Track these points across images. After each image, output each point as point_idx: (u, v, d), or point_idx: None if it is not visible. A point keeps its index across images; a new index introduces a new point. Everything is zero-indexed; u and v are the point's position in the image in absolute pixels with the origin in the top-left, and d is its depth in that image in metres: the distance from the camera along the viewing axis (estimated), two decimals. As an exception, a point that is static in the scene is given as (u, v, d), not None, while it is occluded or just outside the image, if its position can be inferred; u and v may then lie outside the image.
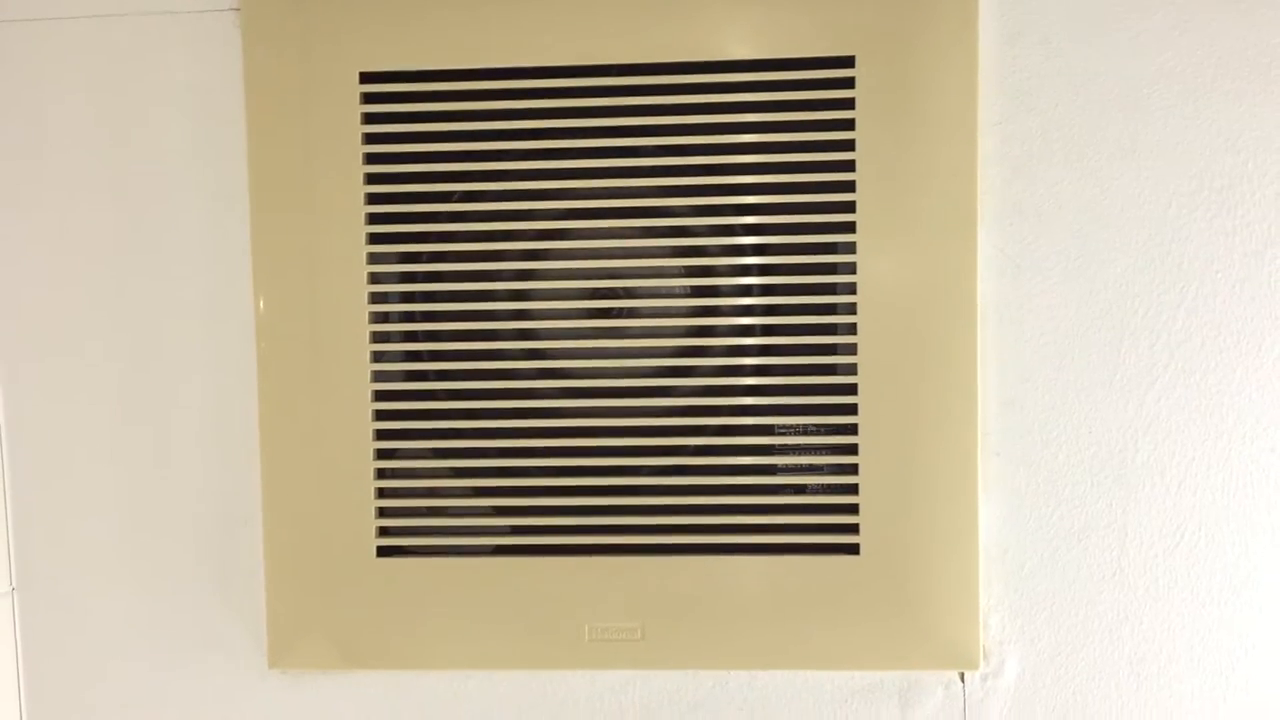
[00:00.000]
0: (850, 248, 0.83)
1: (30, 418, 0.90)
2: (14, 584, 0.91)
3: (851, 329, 0.83)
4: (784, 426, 0.85)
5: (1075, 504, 0.86)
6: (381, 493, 0.87)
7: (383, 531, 0.87)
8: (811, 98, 0.83)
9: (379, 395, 0.86)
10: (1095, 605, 0.86)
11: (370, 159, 0.85)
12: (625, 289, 0.85)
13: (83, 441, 0.90)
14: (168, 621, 0.91)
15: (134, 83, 0.87)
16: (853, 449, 0.84)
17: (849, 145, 0.82)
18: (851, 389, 0.84)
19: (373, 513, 0.86)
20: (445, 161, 0.85)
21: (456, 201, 0.85)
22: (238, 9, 0.86)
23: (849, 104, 0.82)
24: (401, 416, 0.86)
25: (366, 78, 0.84)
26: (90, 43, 0.87)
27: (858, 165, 0.82)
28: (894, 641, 0.85)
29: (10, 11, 0.87)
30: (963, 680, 0.87)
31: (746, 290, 0.84)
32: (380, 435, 0.86)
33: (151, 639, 0.91)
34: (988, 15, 0.83)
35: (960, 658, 0.85)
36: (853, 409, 0.84)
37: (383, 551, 0.87)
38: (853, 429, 0.84)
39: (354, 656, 0.87)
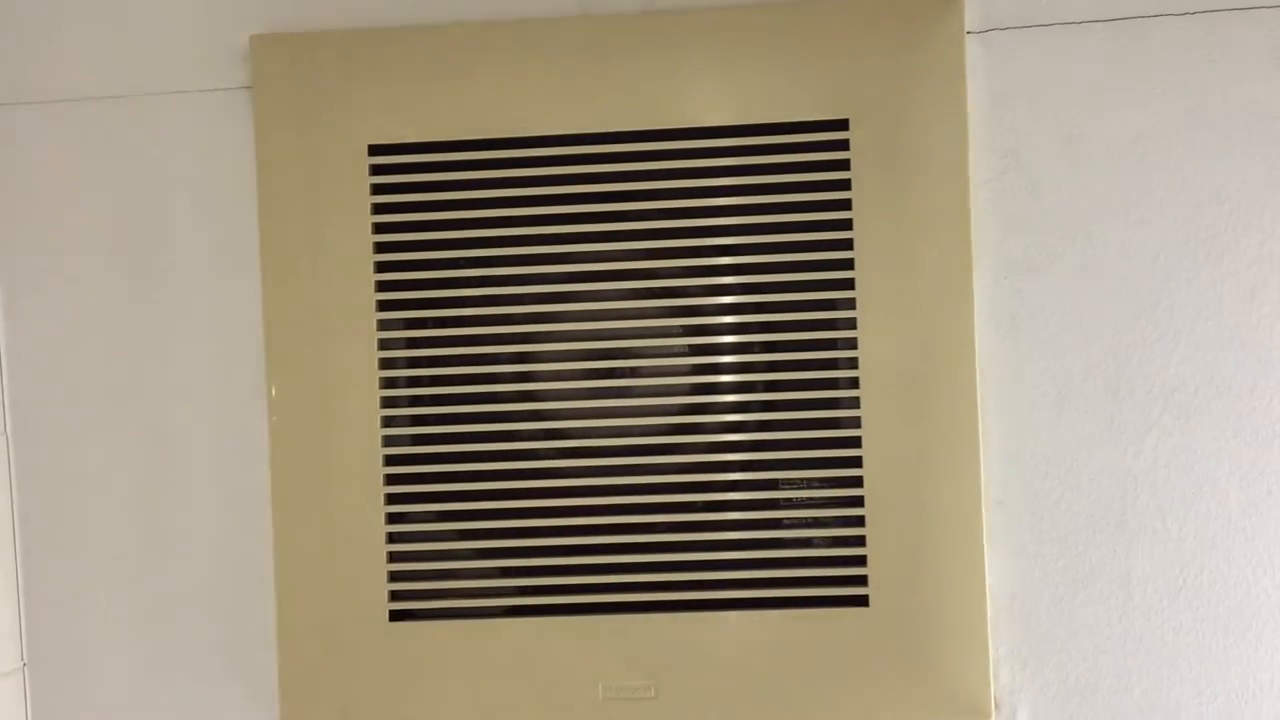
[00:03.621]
0: (850, 303, 0.85)
1: (42, 493, 0.91)
2: (25, 659, 0.91)
3: (853, 383, 0.85)
4: (789, 481, 0.86)
5: (1079, 551, 0.87)
6: (393, 557, 0.87)
7: (395, 596, 0.87)
8: (808, 160, 0.85)
9: (389, 460, 0.87)
10: (1103, 651, 0.87)
11: (379, 229, 0.87)
12: (626, 349, 0.87)
13: (94, 516, 0.91)
14: (180, 693, 0.90)
15: (148, 160, 0.89)
16: (858, 501, 0.85)
17: (846, 205, 0.85)
18: (855, 442, 0.85)
19: (385, 577, 0.87)
20: (452, 229, 0.87)
21: (462, 268, 0.87)
22: (249, 87, 0.88)
23: (844, 165, 0.85)
24: (411, 481, 0.87)
25: (375, 150, 0.86)
26: (105, 122, 0.89)
27: (855, 224, 0.85)
28: (906, 693, 0.85)
29: (28, 94, 0.89)
30: (975, 730, 0.88)
31: (747, 348, 0.86)
32: (391, 500, 0.87)
33: (164, 710, 0.91)
34: (976, 78, 0.86)
35: (972, 708, 0.85)
36: (857, 461, 0.85)
37: (395, 616, 0.87)
38: (858, 481, 0.85)
39: (367, 723, 0.88)
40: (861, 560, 0.85)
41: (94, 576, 0.91)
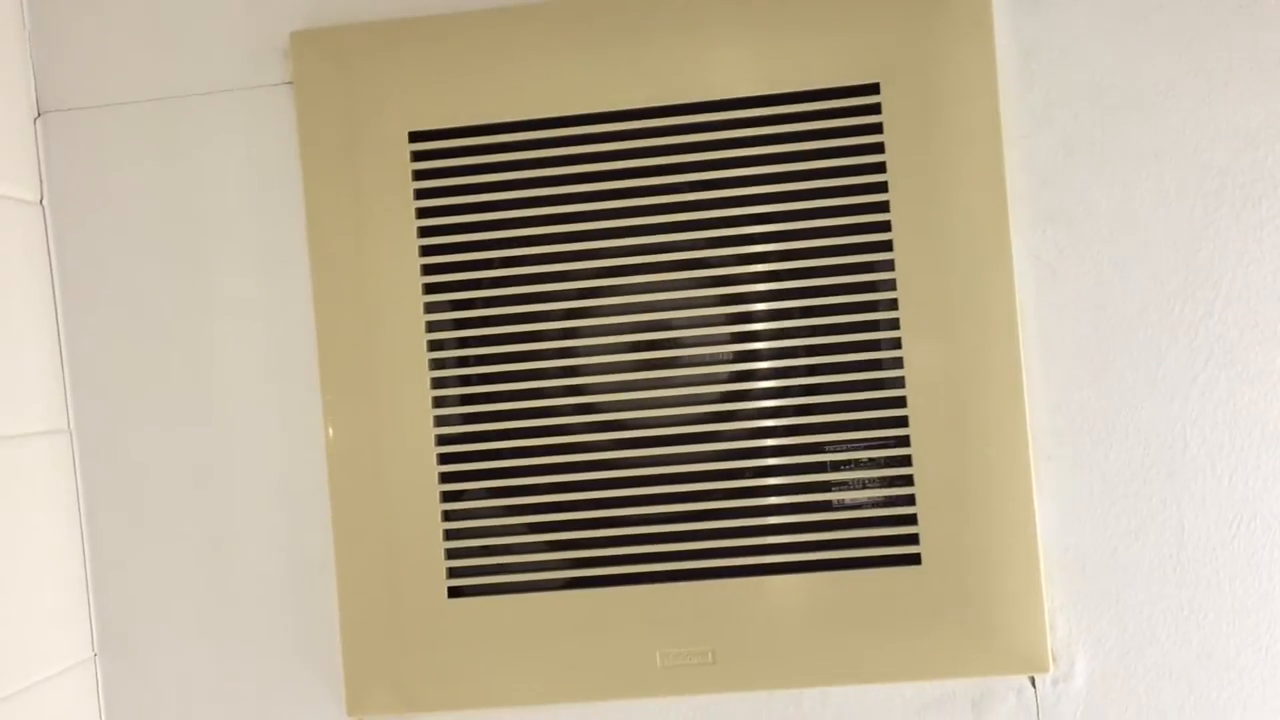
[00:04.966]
0: (888, 265, 0.86)
1: (106, 485, 0.93)
2: (96, 649, 0.93)
3: (895, 344, 0.86)
4: (837, 443, 0.87)
5: (1130, 502, 0.87)
6: (449, 535, 0.89)
7: (452, 573, 0.89)
8: (841, 125, 0.86)
9: (441, 440, 0.89)
10: (1159, 601, 0.87)
11: (422, 213, 0.88)
12: (669, 321, 0.88)
13: (158, 503, 0.93)
14: (247, 676, 0.92)
15: (195, 158, 0.92)
16: (906, 460, 0.86)
17: (880, 168, 0.86)
18: (900, 402, 0.86)
19: (442, 555, 0.88)
20: (494, 210, 0.88)
21: (504, 248, 0.89)
22: (290, 82, 0.90)
23: (877, 129, 0.86)
24: (464, 459, 0.89)
25: (415, 136, 0.88)
26: (153, 124, 0.92)
27: (890, 186, 0.86)
28: (963, 649, 0.85)
29: (80, 99, 0.92)
30: (1034, 685, 0.88)
31: (788, 314, 0.87)
32: (445, 478, 0.89)
33: (232, 694, 0.92)
34: (1004, 32, 0.86)
35: (1030, 662, 0.86)
36: (904, 421, 0.86)
37: (454, 592, 0.88)
38: (905, 441, 0.86)
39: (431, 699, 0.89)
40: (912, 519, 0.86)
41: (159, 565, 0.93)
